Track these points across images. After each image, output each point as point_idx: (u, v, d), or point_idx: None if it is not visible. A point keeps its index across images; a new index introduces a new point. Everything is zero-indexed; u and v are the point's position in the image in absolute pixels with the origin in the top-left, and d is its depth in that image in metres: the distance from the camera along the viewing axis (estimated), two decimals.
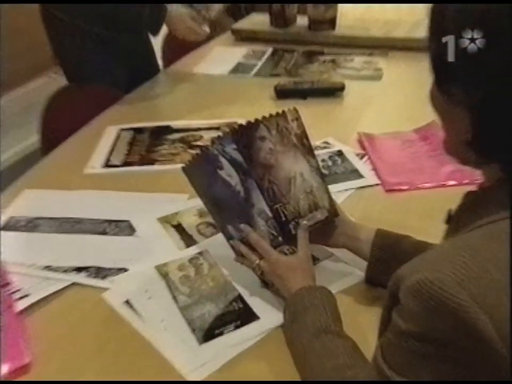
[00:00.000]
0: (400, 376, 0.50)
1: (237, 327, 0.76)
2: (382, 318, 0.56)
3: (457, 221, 0.56)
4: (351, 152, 1.19)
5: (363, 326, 0.73)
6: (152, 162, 1.21)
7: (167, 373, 0.70)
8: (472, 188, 0.57)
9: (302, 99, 1.45)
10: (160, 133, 1.33)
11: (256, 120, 0.77)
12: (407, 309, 0.49)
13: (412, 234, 0.79)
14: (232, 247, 0.82)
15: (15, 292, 0.82)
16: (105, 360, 0.73)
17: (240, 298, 0.80)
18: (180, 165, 0.86)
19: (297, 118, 0.81)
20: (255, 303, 0.79)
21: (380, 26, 1.85)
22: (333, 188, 1.03)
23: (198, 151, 0.81)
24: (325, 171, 1.11)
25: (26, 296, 0.81)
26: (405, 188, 1.06)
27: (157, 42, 1.77)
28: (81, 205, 1.05)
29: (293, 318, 0.71)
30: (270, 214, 0.76)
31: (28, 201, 1.06)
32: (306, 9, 1.85)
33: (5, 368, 0.71)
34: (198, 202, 0.88)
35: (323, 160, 1.15)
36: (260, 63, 1.73)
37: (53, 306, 0.81)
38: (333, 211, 0.82)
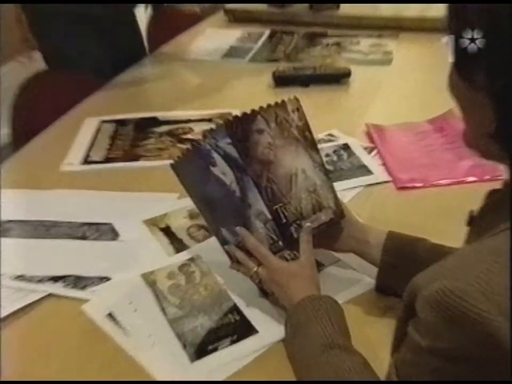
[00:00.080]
0: None
1: (233, 342, 0.76)
2: (396, 332, 0.55)
3: (479, 224, 0.56)
4: (358, 145, 1.19)
5: (374, 340, 0.73)
6: (137, 158, 1.20)
7: None
8: (495, 185, 0.57)
9: (303, 87, 1.45)
10: (145, 125, 1.32)
11: (253, 111, 0.77)
12: (425, 322, 0.49)
13: (427, 237, 0.79)
14: (227, 252, 0.82)
15: None
16: (86, 380, 0.72)
17: (236, 309, 0.80)
18: (168, 161, 0.85)
19: (298, 109, 0.80)
20: (253, 315, 0.79)
21: (390, 4, 1.84)
22: (338, 186, 1.02)
23: (188, 145, 0.81)
24: (329, 167, 1.11)
25: None
26: (418, 185, 1.06)
27: (141, 23, 1.76)
28: (57, 207, 1.04)
29: (295, 332, 0.70)
30: (268, 216, 0.76)
31: None
32: None
33: None
34: (188, 203, 0.88)
35: (327, 155, 1.15)
36: (256, 47, 1.73)
37: (26, 321, 0.80)
38: (339, 212, 0.81)
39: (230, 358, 0.73)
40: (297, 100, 0.81)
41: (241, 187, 0.76)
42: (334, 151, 1.17)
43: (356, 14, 1.81)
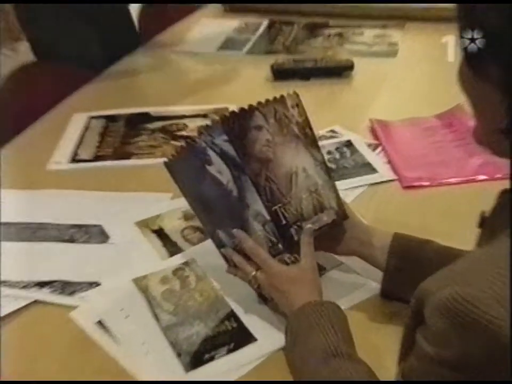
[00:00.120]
0: None
1: (230, 350, 0.75)
2: (403, 339, 0.55)
3: (491, 225, 0.55)
4: (362, 142, 1.19)
5: (379, 348, 0.73)
6: (128, 156, 1.20)
7: None
8: (507, 184, 0.57)
9: (303, 80, 1.45)
10: (137, 121, 1.32)
11: (251, 106, 0.77)
12: (434, 329, 0.49)
13: (435, 239, 0.79)
14: (224, 256, 0.82)
15: None
16: None
17: (233, 316, 0.80)
18: (161, 159, 0.85)
19: (298, 104, 0.80)
20: (252, 322, 0.79)
21: None
22: (341, 185, 1.02)
23: (182, 142, 0.81)
24: (331, 165, 1.11)
25: None
26: (426, 183, 1.06)
27: (133, 11, 1.76)
28: (44, 208, 1.04)
29: (296, 340, 0.70)
30: (267, 217, 0.76)
31: None
32: None
33: None
34: (183, 203, 0.88)
35: (329, 152, 1.15)
36: (253, 38, 1.73)
37: (11, 329, 0.80)
38: (342, 212, 0.81)
39: (227, 367, 0.73)
40: (297, 94, 0.81)
41: (238, 187, 0.76)
42: (336, 148, 1.17)
43: (359, 3, 1.81)
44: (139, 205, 1.04)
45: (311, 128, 0.81)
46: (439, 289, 0.48)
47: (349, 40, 1.68)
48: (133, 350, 0.76)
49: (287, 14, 1.85)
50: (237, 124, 0.75)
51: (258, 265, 0.77)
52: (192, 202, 0.85)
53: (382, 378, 0.65)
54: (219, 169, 0.76)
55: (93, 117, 1.34)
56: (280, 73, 1.47)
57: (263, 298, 0.81)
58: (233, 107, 1.28)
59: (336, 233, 0.82)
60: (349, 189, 1.04)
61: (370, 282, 0.83)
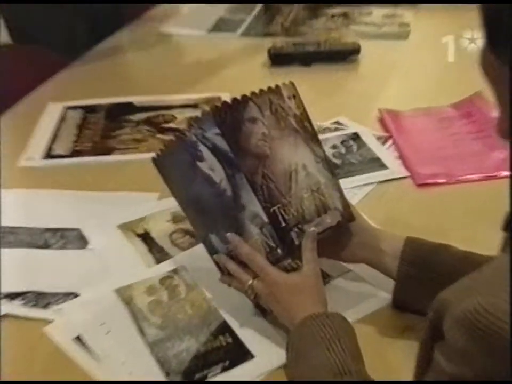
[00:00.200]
0: None
1: (224, 368, 0.75)
2: (418, 356, 0.55)
3: None
4: (370, 134, 1.19)
5: (391, 365, 0.73)
6: (109, 151, 1.20)
7: None
8: None
9: (304, 66, 1.45)
10: (119, 112, 1.32)
11: (244, 96, 0.77)
12: (454, 345, 0.48)
13: (453, 243, 0.79)
14: (217, 263, 0.82)
15: None
16: None
17: (228, 330, 0.80)
18: (146, 155, 0.86)
19: (295, 96, 0.81)
20: (248, 337, 0.79)
21: None
22: (347, 183, 1.02)
23: (170, 136, 0.81)
24: (336, 160, 1.11)
25: None
26: (441, 181, 1.06)
27: None
28: (14, 210, 1.04)
29: (299, 356, 0.70)
30: (265, 219, 0.76)
31: None
32: None
33: None
34: (171, 203, 0.88)
35: (334, 146, 1.15)
36: (248, 19, 1.73)
37: None
38: (347, 214, 0.81)
39: None
40: (293, 85, 0.81)
41: (232, 185, 0.76)
42: (342, 142, 1.17)
43: None
44: (122, 206, 1.04)
45: (310, 122, 0.81)
46: (459, 300, 0.48)
47: (355, 21, 1.68)
48: (115, 369, 0.76)
49: None
50: (230, 116, 0.75)
51: (255, 273, 0.76)
52: (182, 203, 0.85)
53: None
54: (211, 166, 0.76)
55: (69, 107, 1.33)
56: (278, 58, 1.47)
57: (261, 310, 0.81)
58: (227, 96, 1.28)
59: (341, 237, 0.82)
60: (356, 187, 1.04)
61: (380, 292, 0.83)
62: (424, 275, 0.76)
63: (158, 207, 1.01)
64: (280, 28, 1.68)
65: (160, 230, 0.98)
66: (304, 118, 0.81)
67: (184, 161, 0.79)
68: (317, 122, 1.19)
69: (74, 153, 1.20)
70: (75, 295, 0.86)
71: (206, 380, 0.74)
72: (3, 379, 0.76)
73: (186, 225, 0.92)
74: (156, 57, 1.58)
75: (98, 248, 0.95)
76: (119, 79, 1.50)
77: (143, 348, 0.78)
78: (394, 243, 0.79)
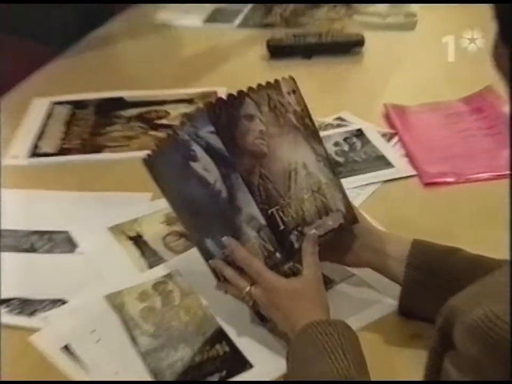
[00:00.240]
0: None
1: (221, 379, 0.75)
2: (427, 366, 0.55)
3: None
4: (374, 131, 1.19)
5: (398, 375, 0.73)
6: (99, 149, 1.20)
7: None
8: None
9: (305, 59, 1.45)
10: (109, 107, 1.32)
11: (240, 92, 0.77)
12: (466, 355, 0.48)
13: (463, 246, 0.79)
14: (212, 269, 0.82)
15: None
16: None
17: (225, 338, 0.80)
18: (138, 153, 0.86)
19: (295, 91, 0.81)
20: (247, 346, 0.79)
21: None
22: (350, 182, 1.03)
23: (163, 133, 0.81)
24: (339, 158, 1.11)
25: None
26: (450, 180, 1.06)
27: None
28: None
29: (300, 366, 0.70)
30: (263, 221, 0.76)
31: None
32: None
33: None
34: (165, 205, 0.88)
35: (336, 144, 1.15)
36: (245, 9, 1.73)
37: None
38: (350, 216, 0.81)
39: None
40: (293, 80, 0.81)
41: (228, 186, 0.76)
42: (345, 139, 1.17)
43: None
44: (113, 207, 1.04)
45: (311, 119, 0.81)
46: (470, 307, 0.48)
47: (358, 11, 1.68)
48: (105, 379, 0.76)
49: None
50: (225, 113, 0.75)
51: (253, 279, 0.76)
52: (175, 206, 0.85)
53: None
54: (205, 167, 0.76)
55: (56, 103, 1.33)
56: (277, 51, 1.47)
57: (260, 317, 0.81)
58: (223, 91, 1.28)
59: (344, 240, 0.82)
60: (360, 187, 1.04)
61: (385, 297, 0.83)
62: (432, 280, 0.76)
63: (151, 208, 1.01)
64: (279, 18, 1.67)
65: (153, 232, 0.98)
66: (304, 114, 0.81)
67: (176, 162, 0.79)
68: (319, 118, 1.20)
69: (62, 151, 1.19)
70: (63, 302, 0.86)
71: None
72: None
73: (181, 227, 0.91)
74: (148, 49, 1.58)
75: (87, 252, 0.95)
76: (109, 72, 1.49)
77: (135, 358, 0.78)
78: (400, 246, 0.79)
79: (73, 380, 0.75)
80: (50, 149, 1.20)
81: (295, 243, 0.77)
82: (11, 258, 0.94)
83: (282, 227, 0.76)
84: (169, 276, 0.89)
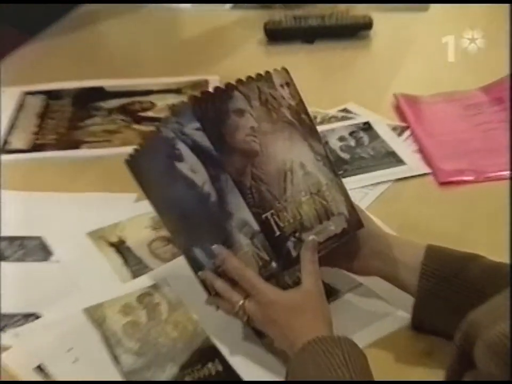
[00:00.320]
0: None
1: None
2: None
3: None
4: (383, 124, 1.19)
5: None
6: (77, 144, 1.20)
7: None
8: None
9: (306, 43, 1.45)
10: (88, 98, 1.32)
11: (228, 85, 0.77)
12: (488, 376, 0.48)
13: (483, 253, 0.79)
14: (202, 282, 0.81)
15: None
16: None
17: (218, 356, 0.80)
18: (121, 149, 0.86)
19: (288, 83, 0.81)
20: (241, 364, 0.79)
21: None
22: (357, 181, 1.03)
23: (149, 127, 0.80)
24: (344, 155, 1.11)
25: None
26: (468, 178, 1.07)
27: None
28: None
29: None
30: (256, 227, 0.75)
31: None
32: None
33: None
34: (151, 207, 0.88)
35: (341, 138, 1.15)
36: None
37: None
38: (354, 220, 0.81)
39: None
40: (286, 71, 0.82)
41: (217, 189, 0.76)
42: (351, 133, 1.17)
43: None
44: (92, 209, 1.04)
45: (307, 114, 0.82)
46: (492, 322, 0.48)
47: None
48: None
49: None
50: (212, 107, 0.75)
51: (247, 291, 0.76)
52: (161, 211, 0.85)
53: None
54: (192, 167, 0.76)
55: (28, 93, 1.33)
56: (276, 34, 1.47)
57: (257, 333, 0.81)
58: (215, 80, 1.28)
59: (349, 246, 0.82)
60: (368, 187, 1.04)
61: (397, 310, 0.83)
62: (448, 291, 0.76)
63: (135, 210, 1.01)
64: None
65: (138, 238, 0.98)
66: (300, 109, 0.81)
67: (160, 162, 0.79)
68: (321, 110, 1.20)
69: (36, 147, 1.20)
70: (36, 317, 0.86)
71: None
72: None
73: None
74: (131, 33, 1.58)
75: (63, 260, 0.95)
76: (88, 58, 1.49)
77: (117, 378, 0.78)
78: (412, 252, 0.79)
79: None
80: (22, 145, 1.20)
81: (293, 251, 0.77)
82: None
83: (278, 233, 0.76)
84: (155, 287, 0.89)
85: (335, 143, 1.13)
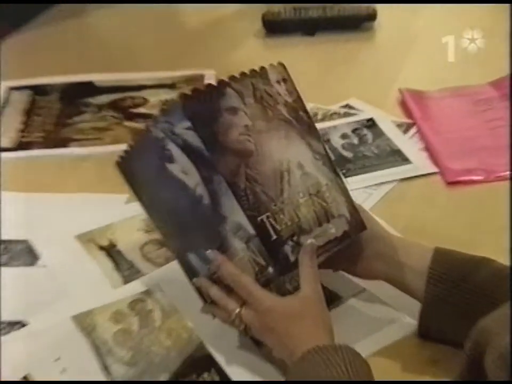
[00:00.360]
0: None
1: None
2: None
3: None
4: (388, 121, 1.19)
5: None
6: (65, 142, 1.20)
7: None
8: None
9: (307, 35, 1.45)
10: (77, 93, 1.32)
11: (220, 82, 0.77)
12: None
13: (493, 256, 0.79)
14: (197, 289, 0.81)
15: None
16: None
17: (214, 366, 0.80)
18: (111, 147, 0.86)
19: (285, 79, 0.81)
20: (239, 374, 0.79)
21: None
22: (360, 181, 1.03)
23: (142, 124, 0.81)
24: (346, 153, 1.11)
25: None
26: (477, 178, 1.07)
27: None
28: None
29: None
30: (251, 231, 0.75)
31: None
32: None
33: None
34: None
35: (344, 136, 1.15)
36: None
37: None
38: (356, 222, 0.81)
39: None
40: (283, 66, 0.82)
41: (210, 191, 0.75)
42: (354, 130, 1.17)
43: None
44: (81, 211, 1.04)
45: (306, 111, 0.82)
46: (504, 330, 0.48)
47: None
48: None
49: None
50: (203, 106, 0.75)
51: (244, 299, 0.76)
52: (152, 215, 0.85)
53: None
54: (184, 169, 0.76)
55: (13, 88, 1.33)
56: (275, 26, 1.47)
57: (255, 341, 0.81)
58: (211, 74, 1.27)
59: (352, 248, 0.81)
60: (372, 187, 1.04)
61: (402, 316, 0.83)
62: (457, 296, 0.76)
63: (127, 212, 1.01)
64: None
65: (129, 241, 0.98)
66: (298, 106, 0.81)
67: (151, 164, 0.79)
68: (323, 106, 1.20)
69: (21, 146, 1.20)
70: (22, 324, 0.86)
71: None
72: None
73: None
74: (123, 24, 1.58)
75: (51, 265, 0.95)
76: (76, 51, 1.49)
77: None
78: (419, 255, 0.79)
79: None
80: (7, 143, 1.20)
81: (290, 255, 0.77)
82: None
83: (274, 237, 0.76)
84: (147, 293, 0.89)
85: (337, 141, 1.13)
